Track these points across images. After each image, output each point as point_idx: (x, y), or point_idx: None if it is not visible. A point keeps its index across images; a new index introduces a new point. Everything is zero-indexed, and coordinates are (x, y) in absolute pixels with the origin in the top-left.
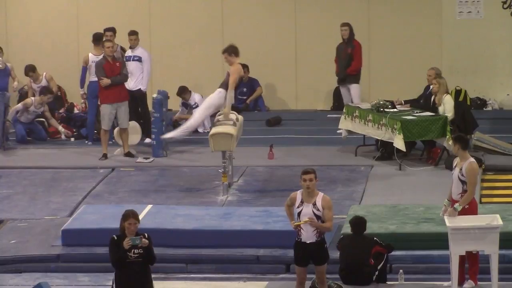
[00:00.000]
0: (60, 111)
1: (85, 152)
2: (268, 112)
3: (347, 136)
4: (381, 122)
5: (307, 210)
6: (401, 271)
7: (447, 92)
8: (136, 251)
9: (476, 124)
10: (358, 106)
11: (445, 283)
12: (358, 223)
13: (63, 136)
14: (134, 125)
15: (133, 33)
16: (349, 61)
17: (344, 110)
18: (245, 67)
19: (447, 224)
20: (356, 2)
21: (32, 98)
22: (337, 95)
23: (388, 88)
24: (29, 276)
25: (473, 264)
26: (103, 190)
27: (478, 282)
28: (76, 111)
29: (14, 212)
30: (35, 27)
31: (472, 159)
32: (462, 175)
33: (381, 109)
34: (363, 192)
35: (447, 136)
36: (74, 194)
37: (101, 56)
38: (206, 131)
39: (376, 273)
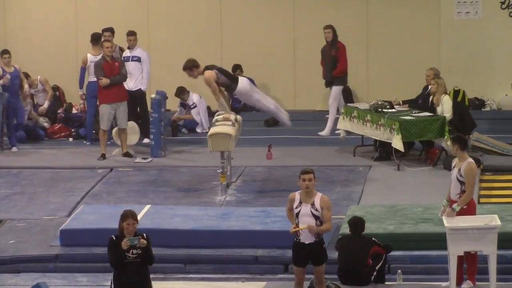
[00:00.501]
0: (59, 111)
1: (84, 152)
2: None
3: (346, 136)
4: (379, 123)
5: (306, 211)
6: (399, 271)
7: (446, 93)
8: (134, 251)
9: (474, 124)
10: (356, 107)
11: (443, 284)
12: (357, 223)
13: (45, 124)
14: (132, 125)
15: (131, 34)
16: (334, 63)
17: (342, 111)
18: (238, 67)
19: (445, 224)
20: (354, 2)
21: None
22: None
23: (386, 89)
24: (28, 276)
25: (471, 265)
26: (101, 190)
27: (476, 283)
28: (74, 111)
29: (13, 212)
30: (33, 28)
31: (471, 160)
32: (461, 175)
33: (380, 110)
34: (362, 192)
35: (446, 137)
36: (72, 194)
37: (99, 56)
38: (204, 131)
39: (375, 273)
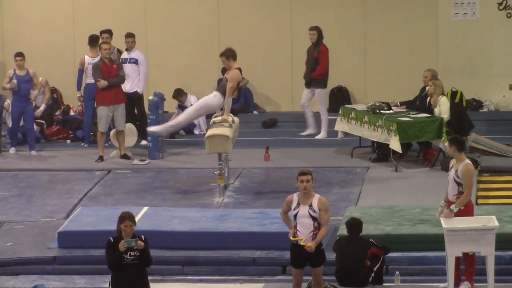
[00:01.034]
0: (56, 113)
1: (81, 154)
2: (264, 114)
3: (343, 137)
4: (377, 124)
5: (304, 212)
6: (397, 272)
7: (443, 94)
8: (132, 253)
9: (472, 125)
10: (354, 108)
11: (441, 285)
12: (354, 224)
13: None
14: (130, 127)
15: (130, 36)
16: (315, 65)
17: (340, 112)
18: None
19: (443, 225)
20: (352, 4)
21: (8, 100)
22: (333, 96)
23: (384, 90)
24: (26, 279)
25: (469, 266)
26: (99, 192)
27: (475, 284)
28: (72, 113)
29: (11, 214)
30: (31, 30)
31: (468, 161)
32: (458, 176)
33: (377, 111)
34: (359, 193)
35: (443, 138)
36: (70, 196)
37: (97, 58)
38: (202, 133)
39: (372, 274)
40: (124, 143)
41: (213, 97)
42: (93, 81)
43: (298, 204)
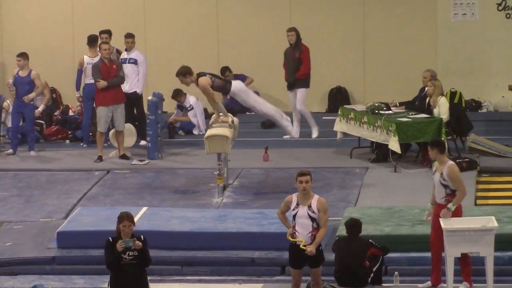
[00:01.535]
0: (55, 113)
1: (81, 155)
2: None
3: (342, 138)
4: (376, 124)
5: (303, 212)
6: (396, 273)
7: (442, 94)
8: (130, 253)
9: (471, 126)
10: (353, 108)
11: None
12: (354, 225)
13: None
14: (129, 128)
15: (129, 36)
16: (297, 66)
17: (339, 112)
18: (226, 69)
19: (442, 226)
20: (351, 4)
21: (8, 100)
22: (332, 97)
23: (383, 90)
24: (25, 279)
25: (464, 266)
26: (98, 192)
27: (474, 284)
28: (71, 113)
29: (10, 214)
30: (30, 30)
31: (451, 162)
32: (444, 179)
33: (376, 111)
34: (358, 194)
35: (442, 138)
36: (69, 196)
37: (96, 59)
38: (201, 133)
39: (372, 275)
40: (123, 143)
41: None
42: (92, 81)
43: (297, 204)
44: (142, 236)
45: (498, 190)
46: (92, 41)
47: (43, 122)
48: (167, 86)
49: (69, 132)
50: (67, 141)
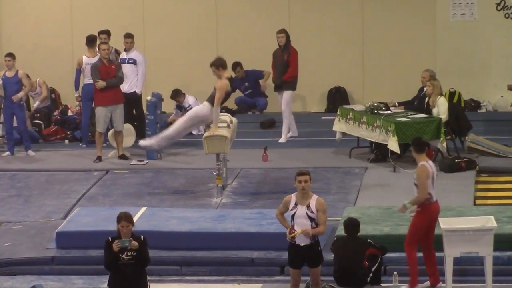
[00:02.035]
0: (54, 113)
1: (80, 155)
2: (262, 115)
3: (341, 138)
4: (375, 124)
5: (301, 212)
6: (395, 273)
7: (441, 94)
8: (129, 253)
9: (470, 126)
10: (352, 108)
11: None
12: (352, 224)
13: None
14: (128, 128)
15: (128, 36)
16: (285, 68)
17: (338, 112)
18: (238, 65)
19: (442, 226)
20: (350, 4)
21: None
22: (331, 97)
23: (382, 90)
24: (24, 279)
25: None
26: (97, 192)
27: (473, 284)
28: (70, 113)
29: (9, 215)
30: (29, 30)
31: (423, 163)
32: (414, 178)
33: (375, 111)
34: (357, 194)
35: (441, 138)
36: (68, 196)
37: (94, 59)
38: (200, 133)
39: (370, 275)
40: (122, 143)
41: (202, 107)
42: (91, 81)
43: (296, 204)
44: (142, 236)
45: (497, 190)
46: (90, 41)
47: (41, 122)
48: (166, 86)
49: (68, 132)
50: (66, 141)
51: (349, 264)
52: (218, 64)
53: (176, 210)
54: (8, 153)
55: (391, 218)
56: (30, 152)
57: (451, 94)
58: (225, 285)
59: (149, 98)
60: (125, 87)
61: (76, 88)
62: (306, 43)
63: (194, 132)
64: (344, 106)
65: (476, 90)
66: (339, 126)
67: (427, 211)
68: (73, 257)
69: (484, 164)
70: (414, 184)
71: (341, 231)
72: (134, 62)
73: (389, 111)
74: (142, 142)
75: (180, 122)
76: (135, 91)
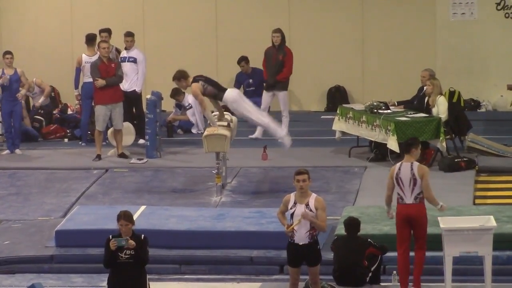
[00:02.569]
0: (54, 112)
1: (79, 153)
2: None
3: (341, 137)
4: (375, 123)
5: (300, 211)
6: (394, 272)
7: (441, 93)
8: (127, 252)
9: (470, 125)
10: (352, 107)
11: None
12: (352, 224)
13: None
14: (128, 126)
15: (129, 35)
16: (280, 68)
17: (337, 111)
18: (243, 59)
19: (441, 225)
20: (350, 3)
21: None
22: (331, 96)
23: (381, 89)
24: (23, 277)
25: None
26: (96, 191)
27: (472, 284)
28: (70, 112)
29: (8, 213)
30: (28, 29)
31: (396, 164)
32: None
33: (375, 110)
34: (357, 193)
35: (441, 138)
36: (68, 195)
37: (94, 57)
38: (200, 132)
39: (370, 274)
40: (122, 142)
41: (231, 93)
42: (90, 80)
43: (295, 203)
44: (142, 236)
45: (496, 189)
46: (90, 39)
47: (42, 119)
48: (166, 85)
49: (68, 131)
50: (66, 140)
51: (349, 264)
52: (178, 77)
53: (176, 208)
54: (7, 151)
55: None
56: (18, 151)
57: (451, 94)
58: (224, 284)
59: (149, 96)
60: (125, 86)
61: (76, 87)
62: (306, 42)
63: (194, 131)
64: (343, 105)
65: (476, 90)
66: (339, 125)
67: (396, 211)
68: (72, 256)
69: (484, 164)
70: None
71: (340, 230)
72: (134, 60)
73: (388, 110)
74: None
75: (252, 109)
76: (135, 90)
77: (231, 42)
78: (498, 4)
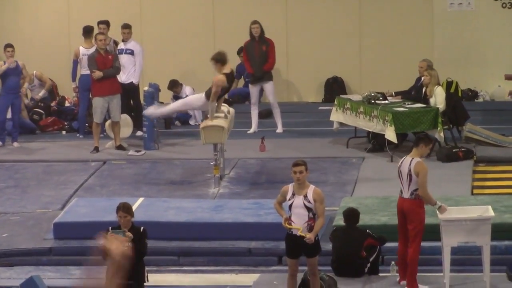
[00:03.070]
0: (52, 104)
1: (77, 145)
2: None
3: (339, 128)
4: (372, 114)
5: (298, 202)
6: (393, 262)
7: (439, 84)
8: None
9: (467, 115)
10: (349, 98)
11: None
12: (352, 214)
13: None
14: (125, 118)
15: (126, 27)
16: (264, 59)
17: (335, 102)
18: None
19: (439, 216)
20: None
21: None
22: (328, 87)
23: (379, 80)
24: (21, 270)
25: (406, 267)
26: (94, 183)
27: (470, 274)
28: (67, 104)
29: (6, 206)
30: (26, 21)
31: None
32: None
33: (373, 101)
34: (355, 184)
35: (439, 128)
36: (66, 187)
37: (91, 49)
38: (197, 123)
39: (368, 265)
40: (120, 134)
41: (199, 98)
42: (88, 72)
43: (293, 194)
44: (142, 228)
45: (494, 179)
46: (87, 32)
47: (42, 112)
48: (164, 76)
49: (65, 123)
50: (63, 132)
51: (347, 254)
52: (217, 59)
53: (174, 200)
54: (1, 143)
55: (388, 208)
56: (16, 144)
57: (448, 84)
58: (222, 275)
59: (146, 88)
60: (122, 78)
61: (73, 79)
62: (303, 33)
63: (191, 123)
64: (341, 96)
65: (473, 80)
66: (336, 116)
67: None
68: (70, 248)
69: (482, 154)
70: None
71: (338, 221)
72: (131, 52)
73: (386, 101)
74: (146, 111)
75: (175, 105)
76: (132, 82)
77: (229, 33)
78: None
